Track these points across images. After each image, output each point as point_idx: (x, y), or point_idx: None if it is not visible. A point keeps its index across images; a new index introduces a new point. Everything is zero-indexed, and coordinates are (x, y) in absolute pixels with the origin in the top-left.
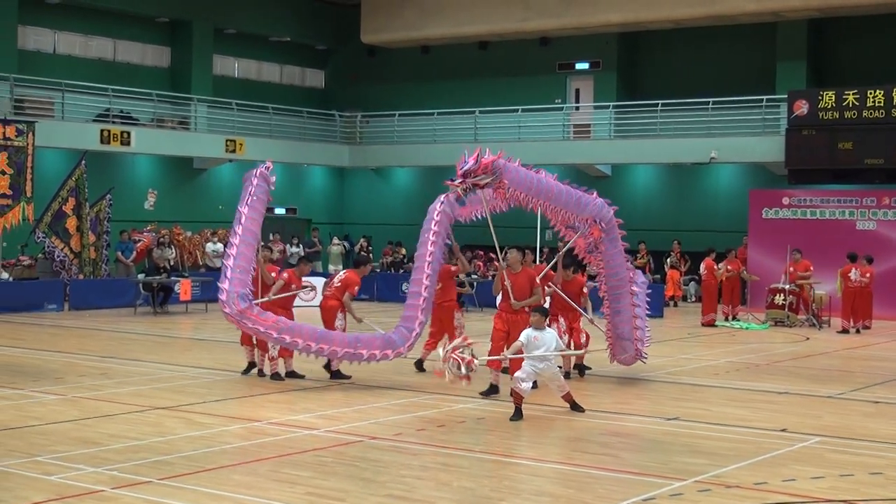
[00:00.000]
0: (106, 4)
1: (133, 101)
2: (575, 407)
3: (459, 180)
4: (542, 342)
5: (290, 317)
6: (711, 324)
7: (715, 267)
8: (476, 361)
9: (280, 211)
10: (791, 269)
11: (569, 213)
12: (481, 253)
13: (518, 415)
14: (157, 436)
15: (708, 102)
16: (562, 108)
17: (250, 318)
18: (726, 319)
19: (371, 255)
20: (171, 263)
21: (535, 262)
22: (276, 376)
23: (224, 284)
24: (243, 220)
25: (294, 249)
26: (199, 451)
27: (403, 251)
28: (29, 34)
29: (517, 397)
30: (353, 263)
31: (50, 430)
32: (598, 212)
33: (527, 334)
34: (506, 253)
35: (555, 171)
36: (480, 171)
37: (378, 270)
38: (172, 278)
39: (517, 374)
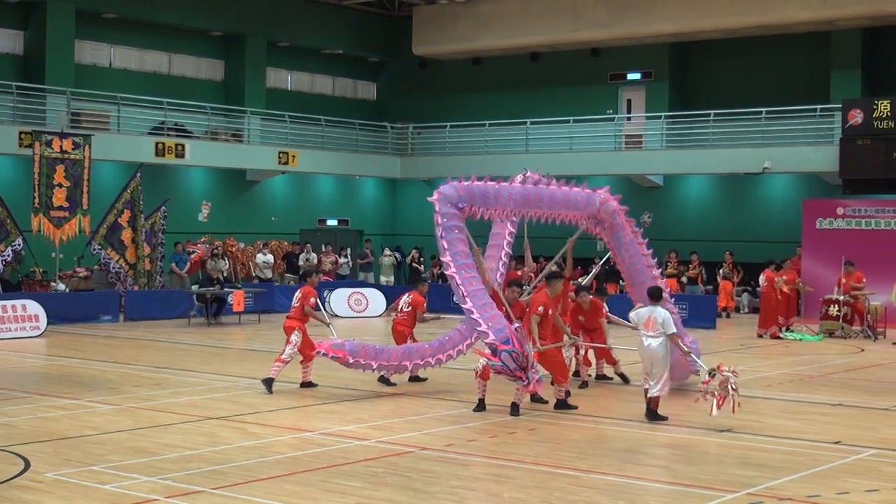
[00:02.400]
0: (161, 19)
1: (187, 114)
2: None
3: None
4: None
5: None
6: (776, 336)
7: (775, 279)
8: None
9: (332, 222)
10: (844, 280)
11: (509, 210)
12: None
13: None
14: (211, 445)
15: (761, 112)
16: (613, 119)
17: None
18: (779, 330)
19: (423, 266)
20: (225, 275)
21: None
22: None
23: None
24: None
25: (343, 260)
26: (252, 461)
27: None
28: (85, 48)
29: (656, 403)
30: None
31: (105, 440)
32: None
33: (668, 314)
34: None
35: (606, 182)
36: (519, 369)
37: (429, 282)
38: (226, 289)
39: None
